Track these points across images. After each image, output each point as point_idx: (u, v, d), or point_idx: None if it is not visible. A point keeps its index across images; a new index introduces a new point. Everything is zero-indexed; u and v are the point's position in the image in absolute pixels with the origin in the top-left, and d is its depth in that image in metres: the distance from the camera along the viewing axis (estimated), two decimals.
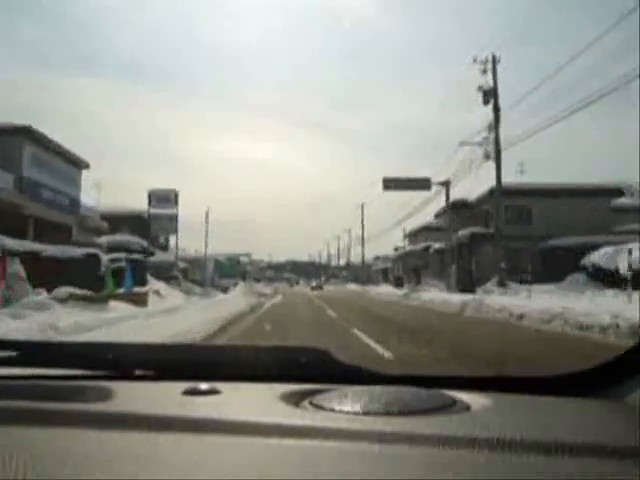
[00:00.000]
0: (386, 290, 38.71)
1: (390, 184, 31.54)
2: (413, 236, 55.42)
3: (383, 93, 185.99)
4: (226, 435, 0.82)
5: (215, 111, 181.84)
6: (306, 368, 1.17)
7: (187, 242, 53.59)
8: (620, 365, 1.06)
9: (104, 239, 34.45)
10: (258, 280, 72.53)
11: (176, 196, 38.03)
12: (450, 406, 0.94)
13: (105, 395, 1.01)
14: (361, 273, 73.33)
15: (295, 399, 0.99)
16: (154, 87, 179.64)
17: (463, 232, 34.54)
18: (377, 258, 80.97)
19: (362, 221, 69.42)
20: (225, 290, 31.74)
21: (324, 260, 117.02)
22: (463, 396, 1.00)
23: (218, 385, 1.06)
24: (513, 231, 32.65)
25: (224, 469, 0.72)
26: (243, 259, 74.72)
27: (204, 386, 1.05)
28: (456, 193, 38.25)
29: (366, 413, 0.90)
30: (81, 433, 0.83)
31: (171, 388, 1.06)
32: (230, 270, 57.92)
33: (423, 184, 31.46)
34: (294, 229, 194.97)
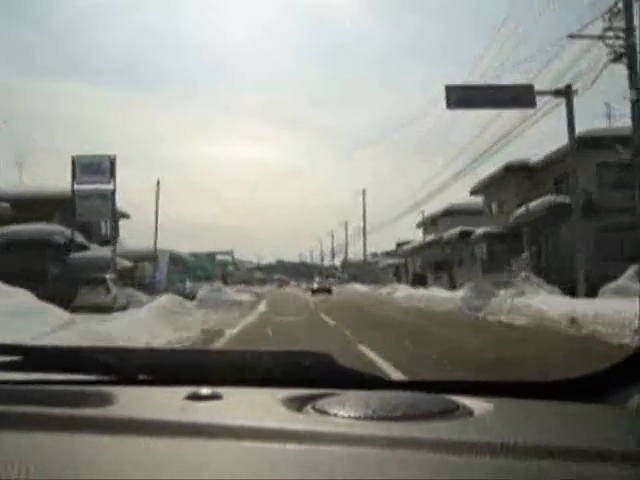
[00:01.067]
0: (413, 293, 27.14)
1: (460, 97, 16.86)
2: (430, 224, 44.21)
3: (367, 91, 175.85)
4: (228, 440, 0.82)
5: (196, 111, 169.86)
6: (308, 373, 1.16)
7: (171, 245, 40.68)
8: (621, 370, 1.06)
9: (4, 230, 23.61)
10: (242, 282, 60.99)
11: (112, 164, 25.80)
12: (453, 411, 0.93)
13: (107, 400, 1.00)
14: (361, 271, 62.06)
15: (297, 404, 0.98)
16: (142, 90, 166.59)
17: (536, 204, 23.30)
18: (375, 255, 70.31)
19: (363, 207, 57.72)
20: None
21: (317, 259, 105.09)
22: (465, 401, 0.99)
23: (220, 390, 1.05)
24: (610, 201, 21.76)
25: (226, 474, 0.72)
26: (222, 258, 62.42)
27: (206, 391, 1.04)
28: (509, 155, 27.08)
29: (369, 418, 0.89)
30: (83, 438, 0.83)
31: (173, 393, 1.05)
32: (203, 271, 45.93)
33: (520, 96, 16.88)
34: (283, 229, 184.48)
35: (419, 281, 37.98)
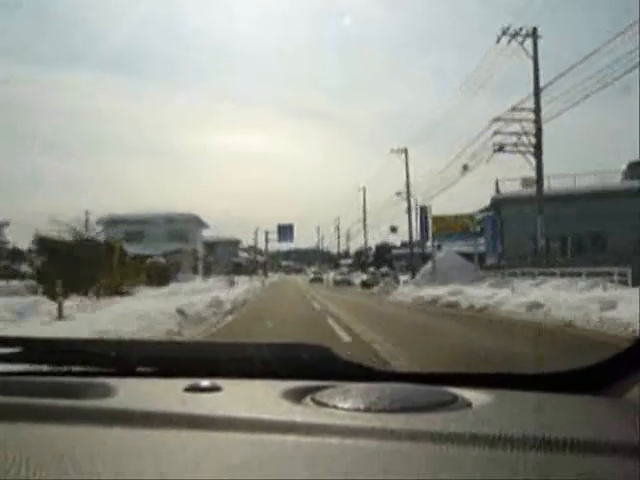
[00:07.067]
0: None
1: None
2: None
3: (377, 81, 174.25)
4: (228, 432, 0.82)
5: (207, 103, 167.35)
6: (308, 365, 1.17)
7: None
8: (620, 362, 1.05)
9: None
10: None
11: None
12: (451, 403, 0.93)
13: (107, 392, 1.00)
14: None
15: (297, 396, 0.98)
16: (144, 79, 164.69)
17: None
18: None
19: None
20: None
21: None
22: (464, 393, 0.99)
23: (220, 382, 1.05)
24: None
25: (226, 466, 0.72)
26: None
27: (206, 383, 1.04)
28: None
29: (368, 410, 0.90)
30: (83, 430, 0.83)
31: (173, 385, 1.05)
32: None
33: None
34: (296, 217, 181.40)
35: None
